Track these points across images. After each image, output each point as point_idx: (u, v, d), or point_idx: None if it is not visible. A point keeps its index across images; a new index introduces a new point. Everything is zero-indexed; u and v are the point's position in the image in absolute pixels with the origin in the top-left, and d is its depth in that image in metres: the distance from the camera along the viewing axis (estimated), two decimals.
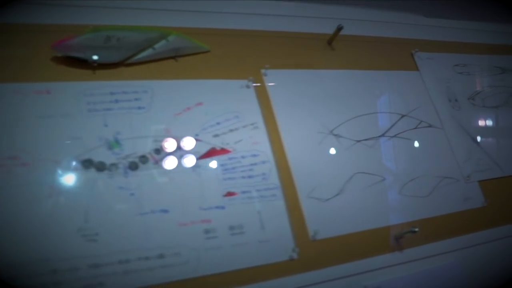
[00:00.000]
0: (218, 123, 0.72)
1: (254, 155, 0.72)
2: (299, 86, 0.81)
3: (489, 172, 0.89)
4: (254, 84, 0.77)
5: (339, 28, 0.85)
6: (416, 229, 0.72)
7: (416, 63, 0.95)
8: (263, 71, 0.79)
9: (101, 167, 0.63)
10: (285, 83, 0.80)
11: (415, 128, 0.87)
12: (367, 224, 0.74)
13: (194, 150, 0.69)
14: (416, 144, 0.85)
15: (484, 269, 0.80)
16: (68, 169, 0.61)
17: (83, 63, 0.68)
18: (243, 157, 0.71)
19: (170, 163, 0.67)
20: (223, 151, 0.71)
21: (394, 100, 0.87)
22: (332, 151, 0.77)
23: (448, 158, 0.87)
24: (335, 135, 0.78)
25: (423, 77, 0.94)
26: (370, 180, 0.77)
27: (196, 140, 0.70)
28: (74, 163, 0.62)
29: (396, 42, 0.96)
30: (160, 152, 0.67)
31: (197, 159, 0.68)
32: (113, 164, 0.64)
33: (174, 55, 0.75)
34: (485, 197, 0.86)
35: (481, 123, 0.95)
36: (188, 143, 0.69)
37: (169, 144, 0.68)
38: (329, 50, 0.88)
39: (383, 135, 0.83)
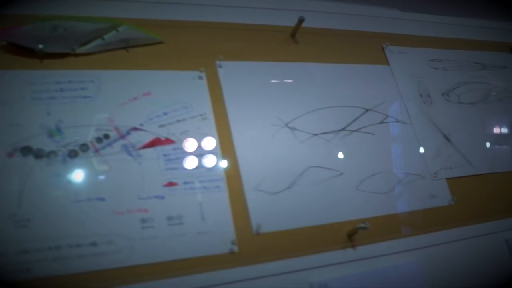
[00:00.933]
0: (165, 114, 0.72)
1: (200, 146, 0.72)
2: (257, 79, 0.81)
3: (459, 170, 0.87)
4: (206, 75, 0.77)
5: (300, 20, 0.84)
6: (365, 225, 0.70)
7: (386, 57, 0.93)
8: (218, 62, 0.79)
9: (39, 154, 0.64)
10: (241, 75, 0.80)
11: (380, 122, 0.85)
12: (318, 219, 0.73)
13: (137, 139, 0.69)
14: (380, 139, 0.83)
15: (446, 270, 0.77)
16: (4, 155, 0.62)
17: (30, 52, 0.69)
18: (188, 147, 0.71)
19: (110, 151, 0.67)
20: (168, 141, 0.71)
21: (358, 94, 0.86)
22: (286, 144, 0.76)
23: (414, 154, 0.85)
24: (291, 128, 0.78)
25: (393, 71, 0.92)
26: (324, 175, 0.76)
27: (140, 129, 0.70)
28: (11, 149, 0.63)
29: (367, 36, 0.95)
30: (101, 141, 0.68)
31: (139, 148, 0.69)
32: (52, 152, 0.65)
33: (126, 46, 0.76)
34: (453, 195, 0.84)
35: (454, 119, 0.92)
36: (131, 132, 0.69)
37: (112, 133, 0.68)
38: (292, 43, 0.88)
39: (343, 129, 0.81)
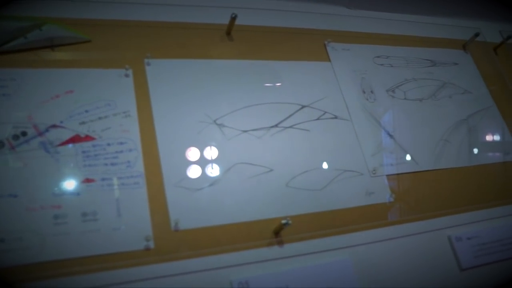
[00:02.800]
0: (87, 111, 0.75)
1: (121, 143, 0.74)
2: (188, 76, 0.83)
3: (401, 166, 0.88)
4: (134, 73, 0.79)
5: (233, 17, 0.87)
6: (288, 221, 0.71)
7: (328, 53, 0.96)
8: (146, 60, 0.81)
9: None
10: (171, 73, 0.82)
11: (317, 119, 0.87)
12: (244, 216, 0.74)
13: (56, 136, 0.71)
14: (316, 135, 0.85)
15: (382, 268, 0.78)
16: None
17: None
18: (108, 144, 0.73)
19: (27, 148, 0.69)
20: (88, 138, 0.73)
21: (295, 91, 0.88)
22: (212, 141, 0.78)
23: (353, 151, 0.87)
24: (219, 124, 0.79)
25: (334, 68, 0.94)
26: (252, 171, 0.78)
27: (60, 127, 0.72)
28: None
29: (309, 33, 0.97)
30: (18, 138, 0.70)
31: (57, 145, 0.71)
32: None
33: (51, 45, 0.78)
34: (392, 192, 0.85)
35: (399, 116, 0.94)
36: (50, 129, 0.71)
37: (30, 131, 0.71)
38: (227, 40, 0.90)
39: (276, 125, 0.83)
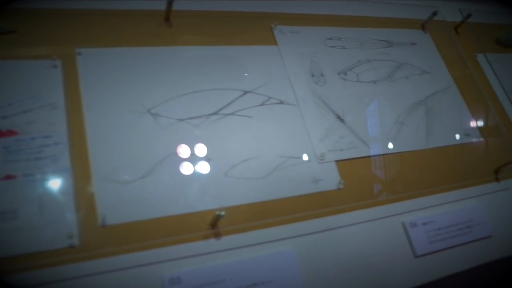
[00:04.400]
0: (10, 104, 0.71)
1: (47, 137, 0.70)
2: (123, 65, 0.79)
3: (351, 151, 0.85)
4: (63, 64, 0.76)
5: (170, 2, 0.83)
6: (220, 213, 0.68)
7: (275, 37, 0.92)
8: (77, 50, 0.78)
9: None
10: (104, 62, 0.78)
11: (261, 105, 0.83)
12: (177, 209, 0.71)
13: None
14: (259, 122, 0.81)
15: (326, 259, 0.74)
16: None
17: None
18: (32, 138, 0.70)
19: None
20: (10, 133, 0.69)
21: (238, 76, 0.84)
22: (146, 131, 0.74)
23: (299, 137, 0.83)
24: (153, 114, 0.76)
25: (281, 52, 0.90)
26: (188, 161, 0.74)
27: None
28: None
29: (255, 17, 0.93)
30: None
31: None
32: None
33: None
34: (342, 178, 0.81)
35: (350, 99, 0.90)
36: None
37: None
38: (165, 27, 0.86)
39: (215, 113, 0.79)
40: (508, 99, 1.07)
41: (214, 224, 0.71)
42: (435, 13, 1.06)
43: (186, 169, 0.74)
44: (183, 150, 0.75)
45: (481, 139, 0.99)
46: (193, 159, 0.75)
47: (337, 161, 0.83)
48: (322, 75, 0.91)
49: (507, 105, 1.08)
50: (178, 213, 0.71)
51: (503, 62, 1.16)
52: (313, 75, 0.90)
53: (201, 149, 0.76)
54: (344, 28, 1.00)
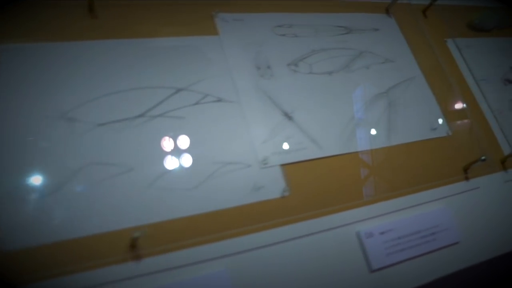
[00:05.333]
0: None
1: None
2: (39, 64, 0.69)
3: (300, 153, 0.74)
4: None
5: None
6: (137, 234, 0.57)
7: (216, 26, 0.81)
8: None
9: None
10: (16, 62, 0.67)
11: (195, 104, 0.72)
12: (90, 229, 0.61)
13: None
14: (192, 123, 0.70)
15: (267, 279, 0.64)
16: None
17: None
18: None
19: None
20: None
21: (170, 72, 0.74)
22: (59, 139, 0.64)
23: (239, 139, 0.73)
24: (69, 118, 0.65)
25: (223, 42, 0.79)
26: (107, 172, 0.64)
27: None
28: None
29: (193, 4, 0.82)
30: None
31: None
32: None
33: None
34: (287, 184, 0.71)
35: (301, 93, 0.79)
36: None
37: None
38: (90, 18, 0.75)
39: (142, 115, 0.69)
40: (479, 89, 0.97)
41: (134, 245, 0.61)
42: None
43: (104, 181, 0.63)
44: (101, 160, 0.64)
45: (450, 133, 0.89)
46: (112, 170, 0.64)
47: (282, 165, 0.73)
48: (269, 67, 0.80)
49: (478, 95, 0.97)
50: (90, 234, 0.60)
51: (476, 47, 1.05)
52: (258, 68, 0.79)
53: (123, 158, 0.66)
54: (297, 14, 0.89)
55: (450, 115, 0.92)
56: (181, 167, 0.68)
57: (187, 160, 0.69)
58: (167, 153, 0.69)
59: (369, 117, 0.84)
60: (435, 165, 0.85)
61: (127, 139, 0.68)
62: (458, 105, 0.94)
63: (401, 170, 0.82)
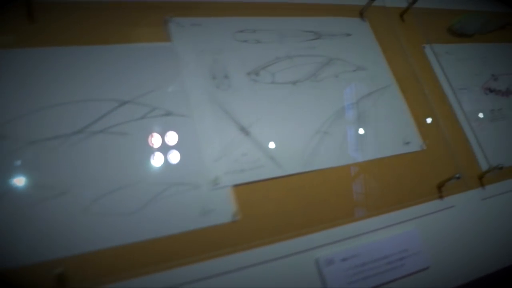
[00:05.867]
0: None
1: None
2: None
3: (255, 172, 0.68)
4: None
5: None
6: (56, 271, 0.51)
7: (169, 32, 0.74)
8: None
9: None
10: None
11: (141, 118, 0.66)
12: (14, 261, 0.54)
13: None
14: (137, 140, 0.64)
15: None
16: None
17: None
18: None
19: None
20: None
21: (115, 83, 0.67)
22: None
23: (189, 157, 0.67)
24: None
25: (176, 50, 0.73)
26: (35, 197, 0.57)
27: None
28: None
29: (144, 7, 0.76)
30: None
31: None
32: None
33: None
34: (240, 208, 0.65)
35: (261, 105, 0.73)
36: None
37: None
38: (28, 23, 0.68)
39: (80, 131, 0.62)
40: (457, 99, 0.90)
41: (62, 282, 0.54)
42: None
43: (29, 207, 0.57)
44: (29, 183, 0.58)
45: (424, 148, 0.83)
46: (42, 193, 0.58)
47: (235, 186, 0.67)
48: (226, 77, 0.74)
49: (456, 106, 0.91)
50: (16, 266, 0.54)
51: (456, 54, 0.99)
52: (214, 78, 0.73)
53: (55, 179, 0.59)
54: (261, 18, 0.83)
55: (425, 128, 0.86)
56: (121, 189, 0.62)
57: (128, 181, 0.63)
58: (106, 173, 0.62)
59: (336, 130, 0.77)
60: (406, 182, 0.79)
61: (62, 159, 0.61)
62: (434, 117, 0.88)
63: (368, 189, 0.75)
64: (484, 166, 0.87)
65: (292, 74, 0.80)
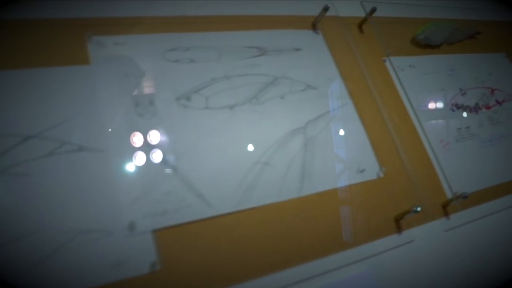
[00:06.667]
0: None
1: None
2: None
3: (182, 213, 0.61)
4: None
5: None
6: None
7: (88, 52, 0.66)
8: None
9: None
10: None
11: (49, 155, 0.58)
12: None
13: None
14: (41, 181, 0.56)
15: None
16: None
17: None
18: None
19: None
20: None
21: (18, 115, 0.59)
22: None
23: (102, 199, 0.59)
24: None
25: (95, 73, 0.65)
26: None
27: None
28: None
29: (61, 25, 0.67)
30: None
31: None
32: None
33: None
34: (160, 257, 0.57)
35: (192, 135, 0.65)
36: None
37: None
38: None
39: None
40: (419, 119, 0.83)
41: None
42: (326, 9, 0.81)
43: None
44: None
45: (381, 175, 0.75)
46: None
47: (155, 231, 0.59)
48: (151, 103, 0.66)
49: (419, 126, 0.84)
50: None
51: (420, 67, 0.92)
52: (137, 105, 0.65)
53: None
54: (196, 34, 0.75)
55: (383, 152, 0.78)
56: (21, 238, 0.54)
57: (29, 229, 0.55)
58: (5, 221, 0.55)
59: (279, 161, 0.70)
60: (360, 216, 0.72)
61: None
62: (393, 140, 0.80)
63: (316, 226, 0.68)
64: (450, 193, 0.79)
65: (229, 97, 0.72)
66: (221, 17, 0.78)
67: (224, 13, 0.79)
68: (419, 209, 0.70)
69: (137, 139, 0.64)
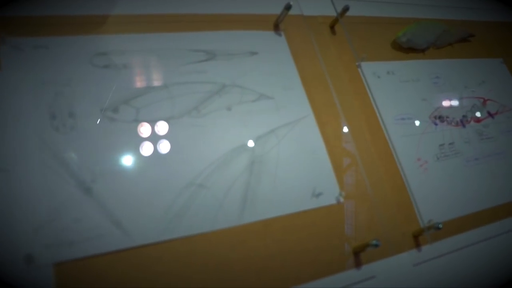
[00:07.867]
0: None
1: None
2: None
3: (93, 244, 0.54)
4: None
5: None
6: None
7: (0, 57, 0.60)
8: None
9: None
10: None
11: None
12: None
13: None
14: None
15: None
16: None
17: None
18: None
19: None
20: None
21: None
22: None
23: (2, 227, 0.52)
24: None
25: (6, 81, 0.58)
26: None
27: None
28: None
29: None
30: None
31: None
32: None
33: None
34: None
35: (115, 152, 0.58)
36: None
37: None
38: None
39: None
40: (388, 133, 0.74)
41: None
42: (288, 7, 0.73)
43: None
44: None
45: (341, 200, 0.67)
46: None
47: (57, 264, 0.52)
48: (71, 116, 0.59)
49: (392, 141, 0.74)
50: None
51: (399, 73, 0.82)
52: (53, 117, 0.59)
53: None
54: (132, 35, 0.68)
55: (345, 174, 0.69)
56: None
57: None
58: None
59: (216, 183, 0.62)
60: (313, 248, 0.64)
61: None
62: (359, 158, 0.72)
63: (256, 260, 0.60)
64: (422, 221, 0.70)
65: (165, 109, 0.65)
66: (163, 16, 0.71)
67: (168, 12, 0.71)
68: (376, 243, 0.61)
69: (45, 156, 0.57)
